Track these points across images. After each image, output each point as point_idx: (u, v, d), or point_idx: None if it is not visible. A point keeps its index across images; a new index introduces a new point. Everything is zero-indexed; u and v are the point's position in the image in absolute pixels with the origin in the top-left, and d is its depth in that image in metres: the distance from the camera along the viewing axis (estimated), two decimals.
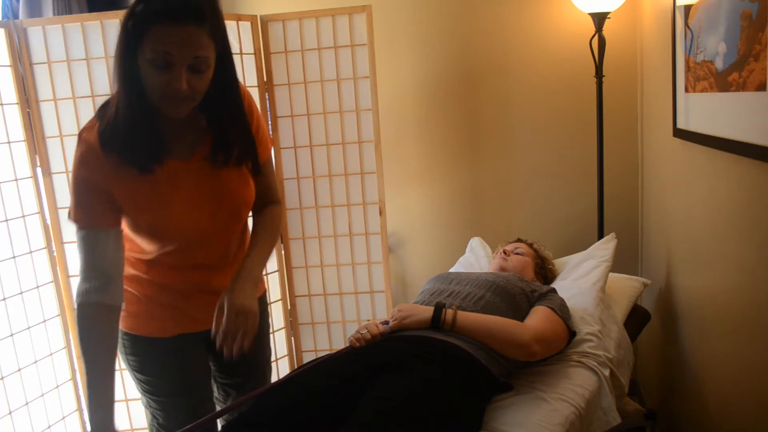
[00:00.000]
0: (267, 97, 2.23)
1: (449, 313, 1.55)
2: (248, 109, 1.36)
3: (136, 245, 1.36)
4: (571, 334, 1.63)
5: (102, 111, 1.27)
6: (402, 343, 1.51)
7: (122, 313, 1.41)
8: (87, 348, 1.25)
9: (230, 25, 1.97)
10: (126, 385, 2.18)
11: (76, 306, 1.25)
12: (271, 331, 2.25)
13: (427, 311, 1.57)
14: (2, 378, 1.91)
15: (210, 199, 1.33)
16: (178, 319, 1.43)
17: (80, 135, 1.26)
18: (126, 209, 1.28)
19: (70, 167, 2.01)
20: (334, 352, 1.57)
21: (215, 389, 1.62)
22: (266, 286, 2.25)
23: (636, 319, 2.05)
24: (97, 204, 1.24)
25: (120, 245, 1.29)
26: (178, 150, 1.30)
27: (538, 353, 1.53)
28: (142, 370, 1.45)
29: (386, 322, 1.62)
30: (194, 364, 1.49)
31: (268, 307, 2.26)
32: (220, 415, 1.44)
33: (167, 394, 1.46)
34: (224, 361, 1.56)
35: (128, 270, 1.39)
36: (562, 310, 1.64)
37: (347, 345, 1.58)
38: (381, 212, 2.27)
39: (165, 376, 1.45)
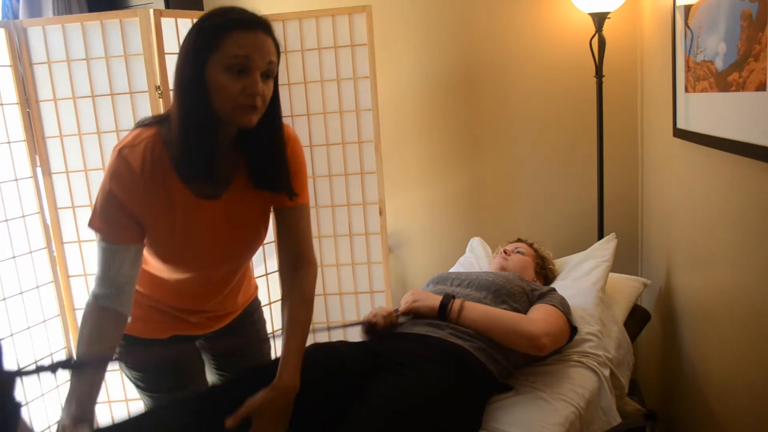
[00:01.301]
0: None
1: (456, 303, 1.57)
2: (292, 148, 1.33)
3: (146, 259, 1.37)
4: (573, 329, 1.63)
5: (143, 127, 1.25)
6: (403, 342, 1.52)
7: None
8: (83, 344, 1.24)
9: None
10: (126, 385, 2.18)
11: (86, 303, 1.26)
12: (271, 331, 2.25)
13: (437, 299, 1.60)
14: None
15: (230, 237, 1.33)
16: (177, 324, 1.46)
17: (120, 151, 1.21)
18: (147, 234, 1.27)
19: (70, 167, 2.05)
20: (352, 323, 1.64)
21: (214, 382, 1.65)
22: (267, 285, 2.26)
23: (636, 319, 2.05)
24: (121, 219, 1.23)
25: (138, 262, 1.28)
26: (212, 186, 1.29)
27: (548, 346, 1.53)
28: (136, 367, 1.47)
29: (396, 310, 1.66)
30: (187, 357, 1.52)
31: (270, 306, 2.26)
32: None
33: (160, 389, 1.48)
34: (224, 359, 1.59)
35: None
36: (563, 305, 1.65)
37: (362, 322, 1.62)
38: (381, 212, 2.27)
39: (158, 372, 1.47)
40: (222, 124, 1.19)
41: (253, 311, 1.60)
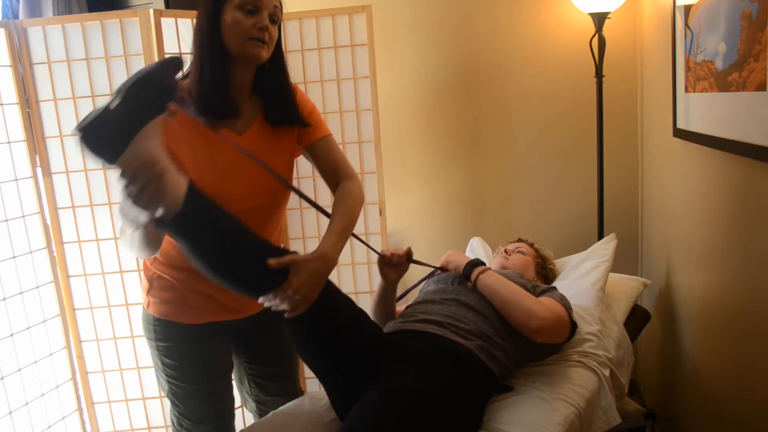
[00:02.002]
0: None
1: (479, 269, 1.65)
2: (300, 95, 1.49)
3: None
4: (573, 326, 1.63)
5: None
6: (408, 339, 1.52)
7: (155, 300, 1.48)
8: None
9: None
10: (126, 385, 2.18)
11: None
12: None
13: (466, 260, 1.70)
14: (2, 378, 1.91)
15: (255, 174, 1.39)
16: (212, 307, 1.48)
17: None
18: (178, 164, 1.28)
19: (70, 167, 2.05)
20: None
21: (247, 383, 1.68)
22: None
23: (636, 319, 2.05)
24: None
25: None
26: (235, 123, 1.39)
27: (545, 330, 1.54)
28: (170, 355, 1.50)
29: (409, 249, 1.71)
30: (219, 352, 1.56)
31: None
32: None
33: (191, 381, 1.52)
34: (254, 350, 1.63)
35: (169, 255, 1.43)
36: (563, 300, 1.65)
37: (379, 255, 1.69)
38: (381, 212, 2.27)
39: (192, 362, 1.51)
40: (236, 65, 1.35)
41: None
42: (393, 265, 1.69)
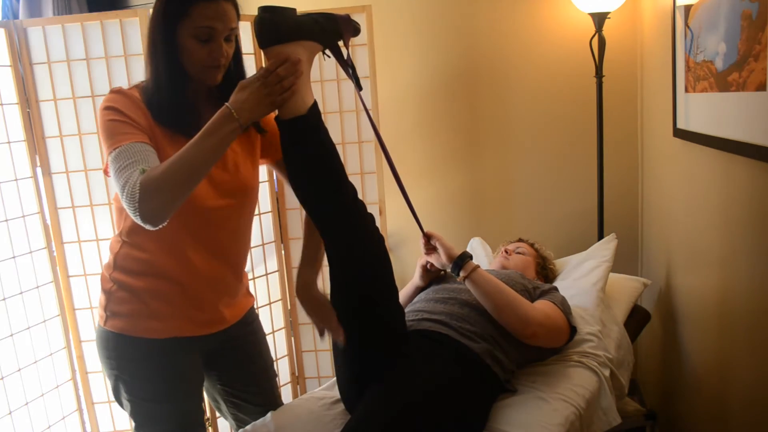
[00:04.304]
0: None
1: (471, 264, 1.58)
2: None
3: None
4: (572, 329, 1.63)
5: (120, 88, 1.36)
6: (415, 338, 1.51)
7: (114, 314, 1.39)
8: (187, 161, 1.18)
9: None
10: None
11: (137, 191, 1.15)
12: (271, 330, 2.26)
13: (457, 252, 1.63)
14: (2, 378, 1.91)
15: (223, 176, 1.37)
16: (177, 317, 1.40)
17: (112, 90, 1.33)
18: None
19: (70, 167, 2.05)
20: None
21: (223, 404, 1.61)
22: (267, 285, 2.26)
23: (636, 319, 2.05)
24: (126, 125, 1.26)
25: (157, 158, 1.25)
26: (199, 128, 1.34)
27: (538, 335, 1.53)
28: (132, 374, 1.41)
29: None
30: (186, 368, 1.46)
31: (270, 306, 2.26)
32: None
33: (156, 400, 1.42)
34: (228, 373, 1.55)
35: (133, 262, 1.37)
36: (563, 304, 1.65)
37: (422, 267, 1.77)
38: (381, 212, 2.27)
39: (156, 381, 1.41)
40: (192, 79, 1.32)
41: (251, 320, 1.59)
42: (430, 272, 1.79)
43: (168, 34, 1.26)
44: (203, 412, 1.57)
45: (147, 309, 1.38)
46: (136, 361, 1.40)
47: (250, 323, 1.58)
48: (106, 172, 1.32)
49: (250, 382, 1.58)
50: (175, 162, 1.17)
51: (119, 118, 1.26)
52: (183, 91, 1.32)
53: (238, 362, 1.55)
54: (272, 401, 1.62)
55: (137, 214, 1.16)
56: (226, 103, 1.18)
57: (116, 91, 1.32)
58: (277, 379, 1.68)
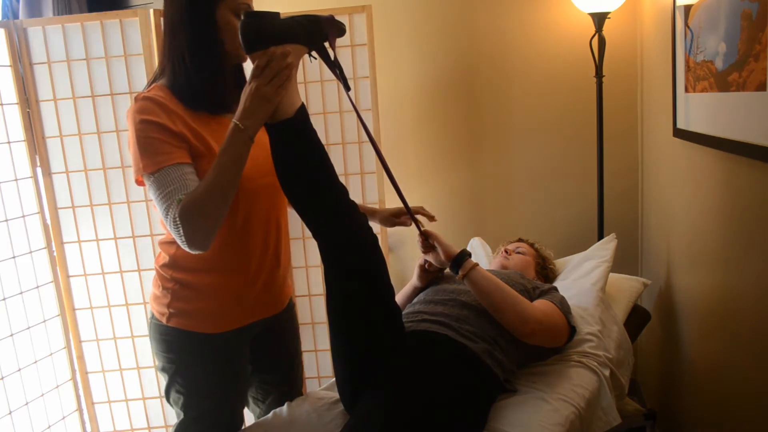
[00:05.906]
0: None
1: (470, 262, 1.58)
2: None
3: None
4: (572, 329, 1.63)
5: (157, 79, 1.38)
6: (414, 339, 1.52)
7: (178, 312, 1.42)
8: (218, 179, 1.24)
9: None
10: (126, 385, 2.18)
11: (179, 222, 1.22)
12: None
13: (456, 251, 1.62)
14: (2, 378, 1.91)
15: (259, 156, 1.37)
16: (239, 307, 1.45)
17: (137, 97, 1.33)
18: (194, 153, 1.32)
19: (71, 167, 2.05)
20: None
21: (253, 389, 1.65)
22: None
23: (636, 319, 2.05)
24: (165, 144, 1.27)
25: (195, 177, 1.29)
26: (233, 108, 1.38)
27: (537, 333, 1.53)
28: (192, 369, 1.46)
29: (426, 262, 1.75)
30: (242, 363, 1.52)
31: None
32: None
33: (210, 394, 1.47)
34: (265, 357, 1.59)
35: (194, 261, 1.39)
36: (562, 304, 1.65)
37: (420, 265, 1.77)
38: None
39: (214, 375, 1.46)
40: (226, 55, 1.36)
41: (291, 307, 1.66)
42: (428, 272, 1.77)
43: (208, 14, 1.31)
44: (242, 414, 1.61)
45: (210, 304, 1.43)
46: (197, 356, 1.45)
47: (289, 310, 1.64)
48: (138, 183, 1.34)
49: (282, 367, 1.64)
50: (204, 188, 1.23)
51: (158, 135, 1.27)
52: (222, 68, 1.36)
53: (276, 348, 1.61)
54: (297, 389, 1.69)
55: (185, 244, 1.25)
56: (233, 119, 1.22)
57: (146, 99, 1.31)
58: (301, 372, 1.74)
